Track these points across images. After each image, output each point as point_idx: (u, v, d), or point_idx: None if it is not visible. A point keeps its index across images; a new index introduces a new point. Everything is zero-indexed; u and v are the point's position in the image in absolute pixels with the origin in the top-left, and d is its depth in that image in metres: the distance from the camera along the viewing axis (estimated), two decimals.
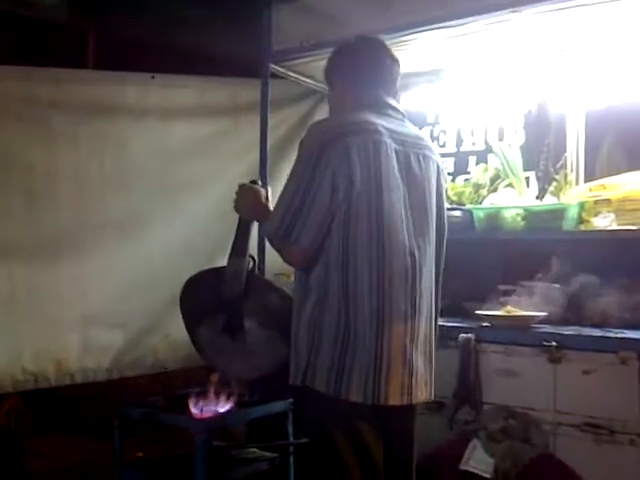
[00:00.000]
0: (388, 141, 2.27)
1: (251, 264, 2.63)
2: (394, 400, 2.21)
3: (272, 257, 2.75)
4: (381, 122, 2.30)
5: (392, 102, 2.42)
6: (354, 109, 2.34)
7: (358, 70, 2.41)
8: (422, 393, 2.29)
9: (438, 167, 2.45)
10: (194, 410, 2.51)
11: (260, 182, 2.67)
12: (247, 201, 2.54)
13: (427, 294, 2.33)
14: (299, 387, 2.27)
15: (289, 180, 2.27)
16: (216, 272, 2.65)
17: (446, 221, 2.51)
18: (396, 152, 2.29)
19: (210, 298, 2.63)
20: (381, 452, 2.28)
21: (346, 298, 2.19)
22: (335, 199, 2.18)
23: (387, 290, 2.20)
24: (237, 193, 2.57)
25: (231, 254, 2.61)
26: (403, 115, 2.43)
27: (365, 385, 2.17)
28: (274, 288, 2.68)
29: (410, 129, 2.43)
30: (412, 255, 2.27)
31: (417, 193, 2.33)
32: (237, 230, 2.62)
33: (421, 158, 2.37)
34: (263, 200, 2.53)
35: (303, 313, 2.27)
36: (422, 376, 2.29)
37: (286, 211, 2.21)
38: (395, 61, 2.45)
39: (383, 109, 2.37)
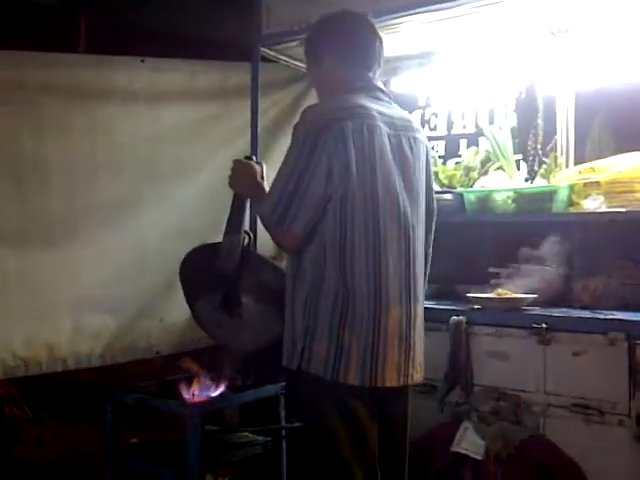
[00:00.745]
0: (381, 125, 2.29)
1: (246, 240, 2.64)
2: (391, 382, 2.24)
3: (264, 241, 2.74)
4: (374, 106, 2.31)
5: (380, 85, 2.43)
6: (347, 92, 2.33)
7: (351, 49, 2.39)
8: (417, 374, 2.34)
9: (427, 149, 2.48)
10: (186, 395, 2.52)
11: (255, 158, 2.66)
12: (242, 177, 2.54)
13: (420, 276, 2.36)
14: (294, 371, 2.27)
15: (284, 164, 2.27)
16: (213, 247, 2.66)
17: (435, 204, 2.55)
18: (389, 136, 2.31)
19: (207, 273, 2.64)
20: (375, 434, 2.29)
21: (344, 281, 2.20)
22: (330, 184, 2.19)
23: (384, 273, 2.22)
24: (232, 169, 2.56)
25: (226, 230, 2.61)
26: (390, 98, 2.44)
27: (362, 368, 2.19)
28: (268, 263, 2.72)
29: (399, 112, 2.43)
30: (407, 238, 2.30)
31: (409, 176, 2.35)
32: (232, 206, 2.61)
33: (412, 141, 2.39)
34: (258, 177, 2.52)
35: (298, 296, 2.28)
36: (418, 357, 2.33)
37: (280, 195, 2.21)
38: (382, 42, 2.44)
39: (374, 92, 2.38)
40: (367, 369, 2.19)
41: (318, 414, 2.24)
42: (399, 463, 2.43)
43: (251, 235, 2.68)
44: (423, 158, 2.44)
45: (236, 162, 2.58)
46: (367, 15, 2.46)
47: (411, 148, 2.37)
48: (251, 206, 2.67)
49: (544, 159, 3.42)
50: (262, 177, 2.53)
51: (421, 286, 2.38)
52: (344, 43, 2.39)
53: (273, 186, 2.27)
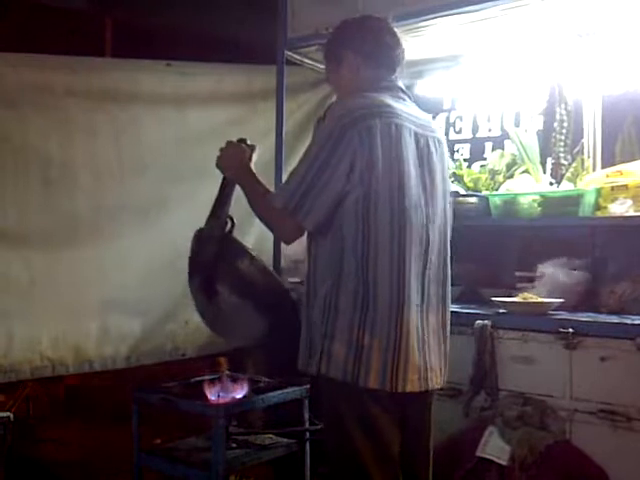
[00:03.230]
0: (408, 125, 2.26)
1: (229, 226, 2.58)
2: (412, 386, 2.19)
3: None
4: (399, 106, 2.29)
5: (402, 86, 2.40)
6: (372, 91, 2.30)
7: (378, 48, 2.36)
8: (436, 378, 2.29)
9: (446, 151, 2.47)
10: (211, 396, 2.53)
11: (249, 141, 2.54)
12: (231, 159, 2.48)
13: (435, 280, 2.31)
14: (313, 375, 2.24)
15: (305, 156, 2.23)
16: (198, 232, 2.61)
17: (451, 206, 2.49)
18: (416, 136, 2.28)
19: (193, 257, 2.59)
20: (397, 439, 2.26)
21: (365, 282, 2.15)
22: (349, 182, 2.15)
23: (407, 277, 2.19)
24: (221, 149, 2.50)
25: (210, 214, 2.57)
26: (411, 99, 2.41)
27: (383, 371, 2.14)
28: (247, 253, 2.60)
29: (421, 113, 2.41)
30: (427, 242, 2.27)
31: (434, 178, 2.33)
32: (219, 190, 2.56)
33: (436, 142, 2.37)
34: (247, 160, 2.46)
35: (316, 297, 2.24)
36: (436, 362, 2.28)
37: (298, 186, 2.17)
38: (402, 45, 2.41)
39: (398, 92, 2.36)
40: (388, 373, 2.14)
41: (337, 419, 2.21)
42: (423, 470, 2.39)
43: (234, 221, 2.59)
44: (445, 160, 2.43)
45: (228, 143, 2.49)
46: (389, 20, 2.43)
47: (436, 149, 2.35)
48: (244, 191, 2.51)
49: (568, 162, 3.39)
50: (251, 159, 2.47)
51: (436, 289, 2.32)
52: (369, 43, 2.36)
53: (291, 176, 2.23)
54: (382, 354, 2.14)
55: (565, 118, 3.42)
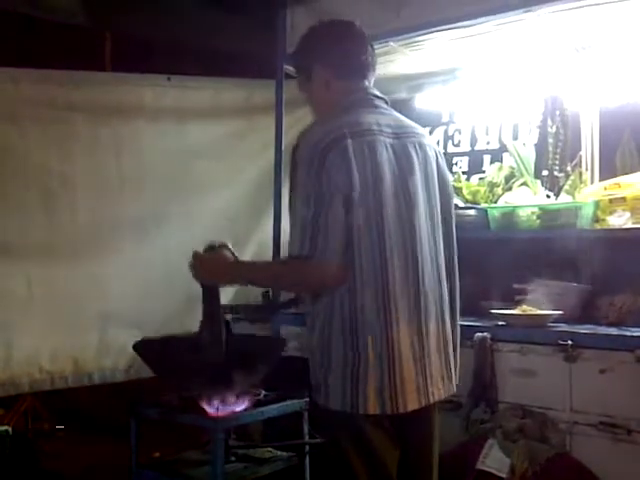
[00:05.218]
0: (382, 138, 2.17)
1: (227, 326, 2.58)
2: (412, 405, 2.13)
3: None
4: (375, 118, 2.20)
5: (377, 92, 2.31)
6: (343, 107, 2.22)
7: (346, 56, 2.28)
8: (438, 391, 2.21)
9: (436, 153, 2.33)
10: (209, 409, 2.52)
11: (217, 243, 2.46)
12: (212, 269, 2.41)
13: (432, 292, 2.22)
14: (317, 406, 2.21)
15: (297, 195, 2.13)
16: (188, 341, 2.58)
17: (453, 210, 2.42)
18: (392, 146, 2.18)
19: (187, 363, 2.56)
20: (395, 460, 2.21)
21: (353, 305, 2.09)
22: (348, 211, 2.07)
23: (392, 293, 2.11)
24: (192, 264, 2.41)
25: (204, 323, 2.53)
26: (388, 104, 2.32)
27: (381, 395, 2.09)
28: (250, 338, 2.76)
29: (401, 119, 2.31)
30: (414, 256, 2.18)
31: (417, 185, 2.21)
32: (204, 297, 2.52)
33: (417, 146, 2.25)
34: (226, 260, 2.39)
35: (314, 334, 2.18)
36: (436, 373, 2.21)
37: (303, 231, 2.08)
38: (373, 49, 2.33)
39: (373, 102, 2.27)
40: (386, 396, 2.09)
41: (338, 445, 2.16)
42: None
43: (230, 322, 2.60)
44: (434, 162, 2.29)
45: (195, 256, 2.41)
46: (356, 22, 2.33)
47: (417, 154, 2.23)
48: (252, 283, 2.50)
49: (559, 175, 3.40)
50: (231, 254, 2.42)
51: (435, 302, 2.23)
52: (335, 52, 2.27)
53: (294, 225, 2.14)
54: (378, 377, 2.09)
55: (562, 131, 3.43)
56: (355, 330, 2.10)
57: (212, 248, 2.45)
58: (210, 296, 2.52)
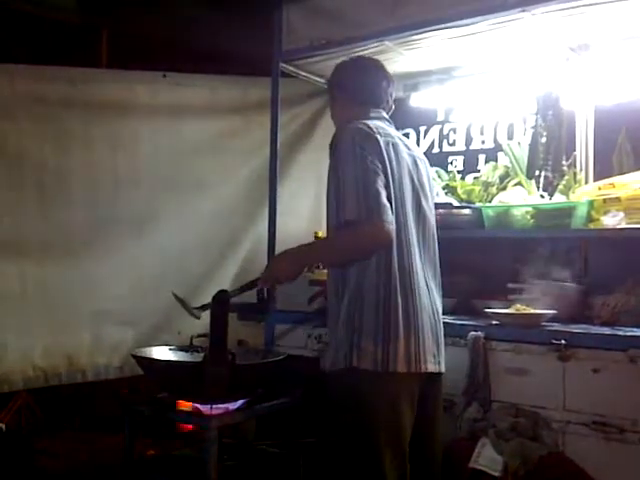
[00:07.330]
0: (401, 144, 2.54)
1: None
2: (431, 367, 2.42)
3: None
4: (390, 129, 2.58)
5: (388, 118, 2.67)
6: (363, 119, 2.53)
7: (362, 88, 2.67)
8: (441, 364, 2.51)
9: (430, 170, 2.76)
10: (203, 407, 2.53)
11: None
12: (286, 266, 2.54)
13: (432, 275, 2.57)
14: (337, 372, 2.38)
15: (342, 174, 2.38)
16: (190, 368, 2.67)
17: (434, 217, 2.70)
18: (408, 155, 2.56)
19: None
20: (411, 424, 2.42)
21: (386, 276, 2.36)
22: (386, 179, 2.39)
23: (415, 270, 2.43)
24: (269, 273, 2.58)
25: (212, 350, 2.60)
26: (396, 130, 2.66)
27: (407, 354, 2.35)
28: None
29: (406, 139, 2.71)
30: (427, 244, 2.55)
31: (424, 188, 2.61)
32: (215, 323, 2.61)
33: (419, 162, 2.63)
34: (291, 253, 2.55)
35: (342, 302, 2.42)
36: (442, 348, 2.53)
37: (357, 196, 2.32)
38: (391, 81, 2.70)
39: (385, 121, 2.63)
40: (412, 358, 2.36)
41: (369, 407, 2.33)
42: (433, 458, 2.60)
43: (235, 355, 2.65)
44: (430, 177, 2.71)
45: (268, 265, 2.67)
46: (377, 60, 2.76)
47: (418, 168, 2.61)
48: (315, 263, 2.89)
49: (552, 175, 3.40)
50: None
51: (434, 281, 2.56)
52: (354, 84, 2.67)
53: (345, 195, 2.36)
54: (404, 340, 2.35)
55: (556, 129, 3.43)
56: (388, 299, 2.36)
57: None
58: (218, 322, 2.61)
